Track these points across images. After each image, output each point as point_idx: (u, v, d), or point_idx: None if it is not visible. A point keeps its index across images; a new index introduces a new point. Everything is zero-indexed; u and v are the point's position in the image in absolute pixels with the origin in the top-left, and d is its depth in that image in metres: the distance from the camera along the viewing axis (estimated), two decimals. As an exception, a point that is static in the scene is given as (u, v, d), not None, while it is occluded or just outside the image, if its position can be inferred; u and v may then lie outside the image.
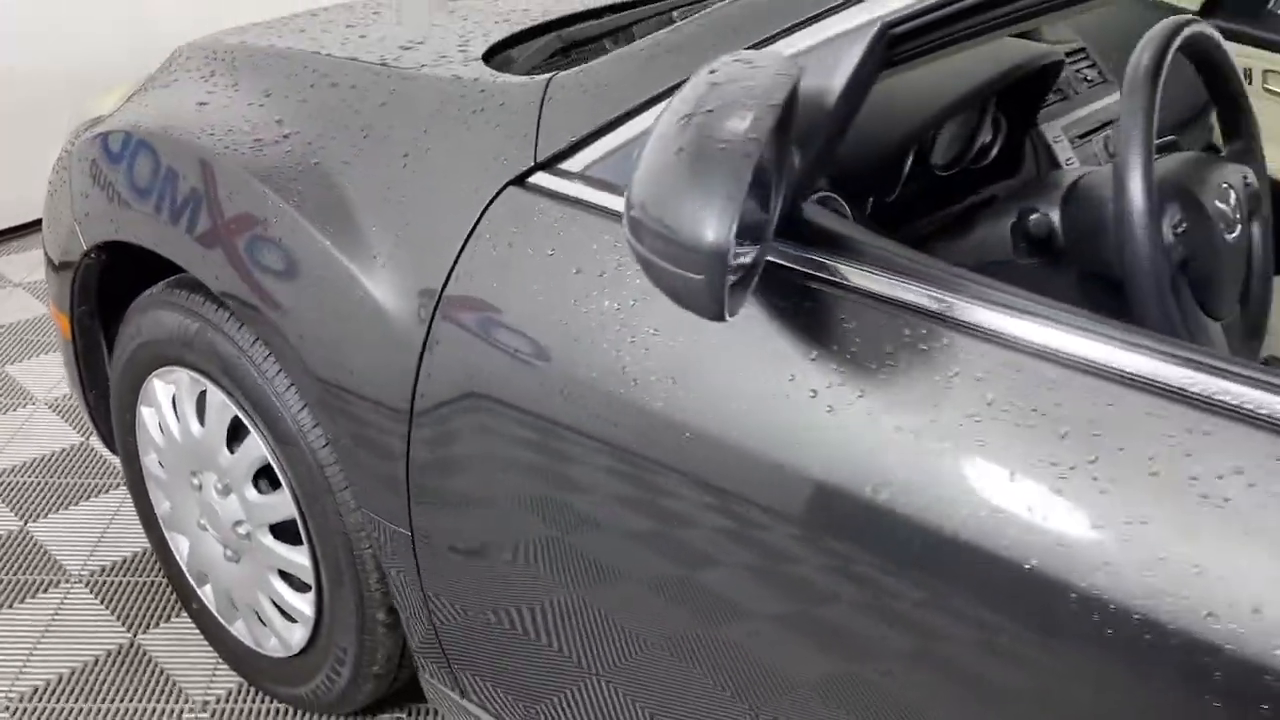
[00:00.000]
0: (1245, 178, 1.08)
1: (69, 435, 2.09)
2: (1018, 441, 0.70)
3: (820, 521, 0.78)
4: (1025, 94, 1.31)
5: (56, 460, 2.02)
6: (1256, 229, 1.11)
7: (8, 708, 1.50)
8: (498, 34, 1.30)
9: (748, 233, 0.73)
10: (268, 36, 1.41)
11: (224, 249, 1.21)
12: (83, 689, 1.53)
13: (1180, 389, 0.66)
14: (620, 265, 0.90)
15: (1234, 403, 0.65)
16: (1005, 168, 1.36)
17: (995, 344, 0.73)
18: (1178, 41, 0.96)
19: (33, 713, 1.49)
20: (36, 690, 1.52)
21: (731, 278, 0.68)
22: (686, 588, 0.88)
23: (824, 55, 0.81)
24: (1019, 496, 0.69)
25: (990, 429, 0.71)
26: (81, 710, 1.50)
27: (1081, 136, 1.38)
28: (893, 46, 0.81)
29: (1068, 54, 1.50)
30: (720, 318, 0.68)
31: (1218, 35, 1.08)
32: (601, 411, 0.89)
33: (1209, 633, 0.61)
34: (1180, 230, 0.98)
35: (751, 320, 0.82)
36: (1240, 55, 1.95)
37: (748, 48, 0.86)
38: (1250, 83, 1.93)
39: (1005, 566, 0.68)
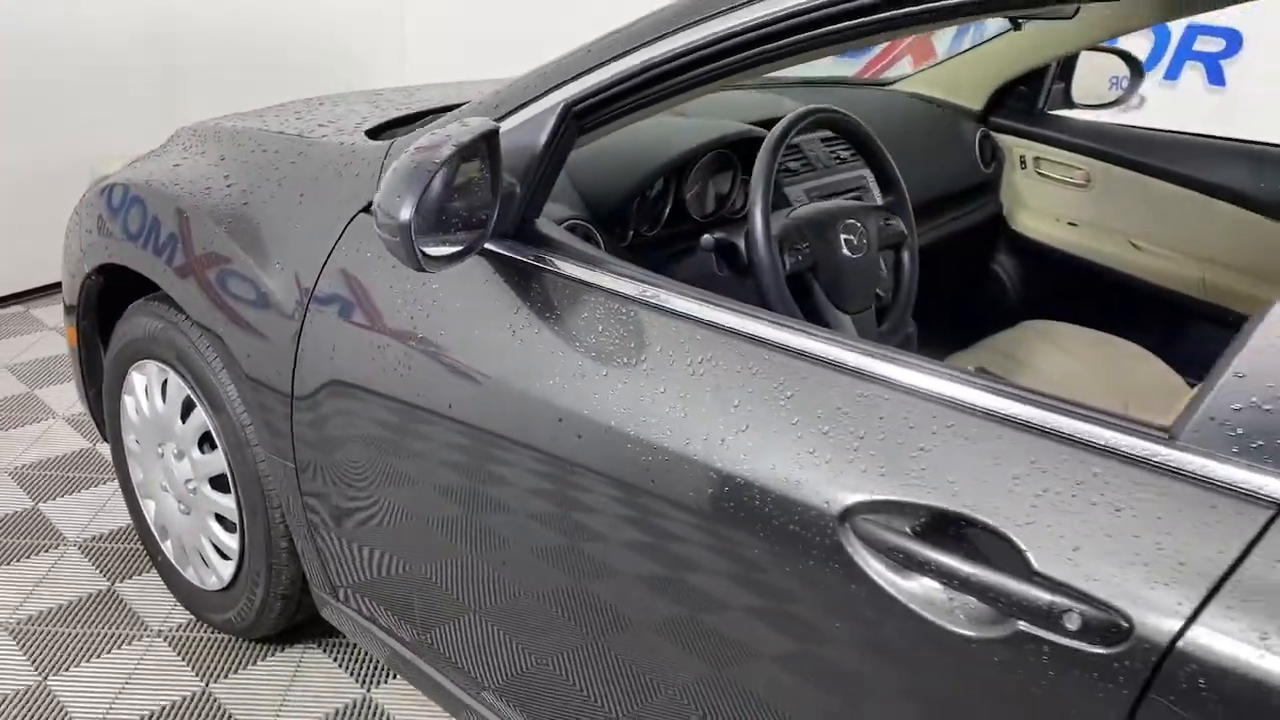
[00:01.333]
0: (886, 220, 1.51)
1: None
2: (670, 380, 1.09)
3: (539, 436, 1.17)
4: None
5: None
6: (905, 255, 1.53)
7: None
8: (390, 116, 1.76)
9: (469, 228, 1.16)
10: (237, 119, 1.89)
11: (180, 267, 1.67)
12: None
13: (782, 344, 1.01)
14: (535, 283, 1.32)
15: (822, 355, 0.99)
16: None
17: (660, 314, 1.11)
18: (801, 125, 1.40)
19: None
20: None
21: (440, 250, 1.12)
22: (478, 506, 1.26)
23: (535, 122, 1.25)
24: (679, 418, 1.06)
25: (652, 373, 1.11)
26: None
27: (822, 198, 1.81)
28: (580, 118, 1.25)
29: (824, 139, 1.95)
30: (420, 269, 1.11)
31: (851, 117, 1.52)
32: (409, 367, 1.32)
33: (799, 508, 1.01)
34: (806, 249, 1.41)
35: (493, 292, 1.25)
36: (1017, 146, 2.39)
37: (499, 117, 1.30)
38: (1025, 167, 2.36)
39: (657, 466, 1.09)
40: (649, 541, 1.08)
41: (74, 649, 1.90)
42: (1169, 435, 0.81)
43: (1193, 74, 3.46)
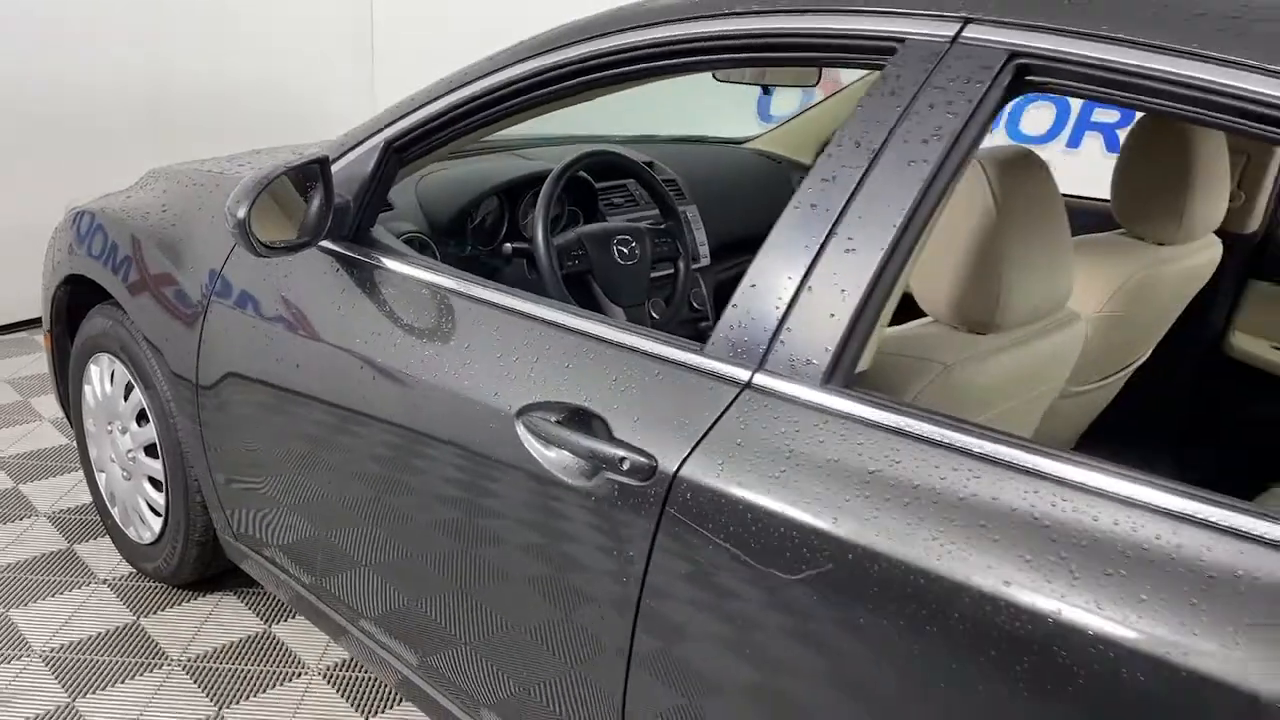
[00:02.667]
0: (659, 239, 1.95)
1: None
2: (479, 350, 1.52)
3: (352, 394, 1.58)
4: (585, 195, 2.22)
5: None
6: (680, 266, 1.97)
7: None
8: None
9: (307, 231, 1.60)
10: (191, 163, 2.35)
11: (123, 275, 2.11)
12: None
13: (558, 323, 1.40)
14: (305, 262, 1.76)
15: (593, 332, 1.39)
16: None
17: (457, 297, 1.51)
18: (580, 164, 1.85)
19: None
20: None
21: (278, 241, 1.55)
22: (329, 460, 1.67)
23: (364, 156, 1.69)
24: (464, 371, 1.49)
25: (439, 338, 1.53)
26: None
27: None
28: (399, 152, 1.69)
29: (666, 179, 2.40)
30: (255, 254, 1.53)
31: (628, 158, 1.96)
32: (269, 339, 1.74)
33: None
34: (582, 255, 1.84)
35: (330, 280, 1.67)
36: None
37: (341, 153, 1.74)
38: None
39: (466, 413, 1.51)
40: (442, 472, 1.47)
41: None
42: (701, 349, 1.21)
43: (1092, 142, 3.89)
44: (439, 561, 1.50)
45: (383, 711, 2.00)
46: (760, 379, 1.15)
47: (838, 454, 1.06)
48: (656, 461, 1.17)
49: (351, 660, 2.13)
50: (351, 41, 4.75)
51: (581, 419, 1.27)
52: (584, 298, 1.87)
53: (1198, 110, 0.99)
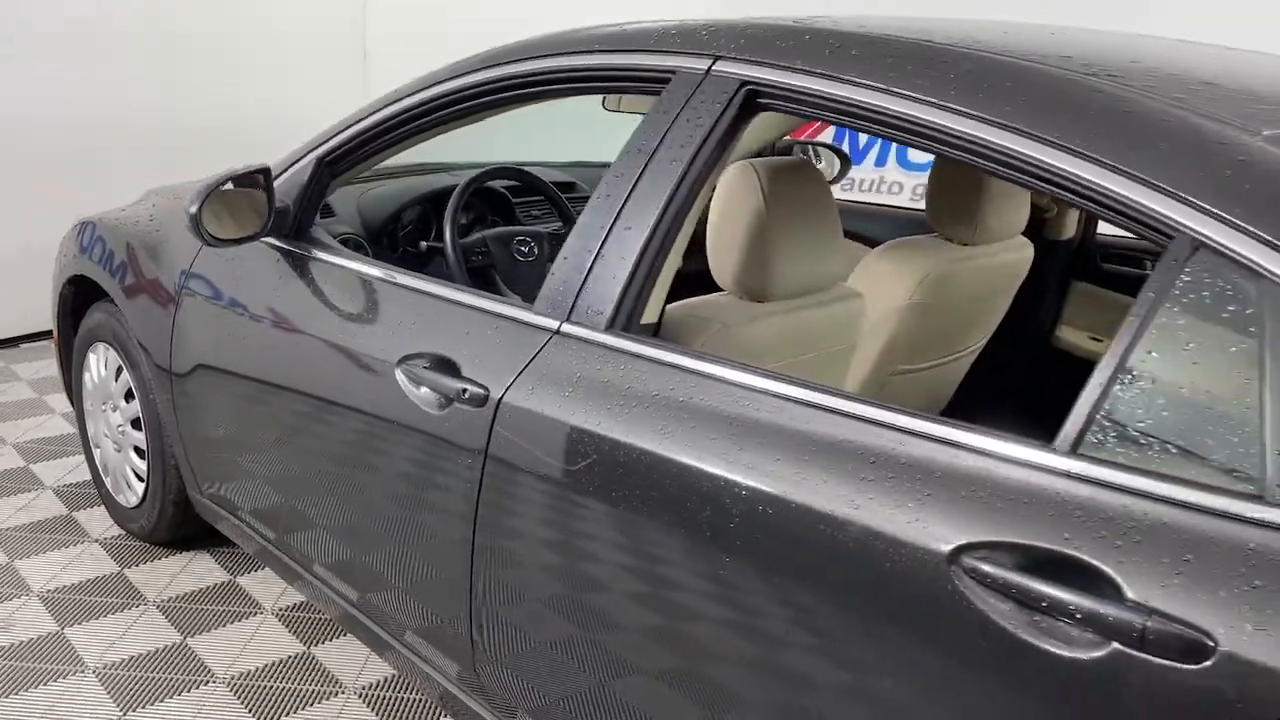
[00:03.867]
0: (556, 241, 2.32)
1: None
2: (380, 318, 1.89)
3: (288, 364, 1.96)
4: (502, 206, 2.60)
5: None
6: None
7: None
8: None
9: (249, 228, 1.99)
10: (182, 183, 2.75)
11: (118, 277, 2.51)
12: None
13: (434, 294, 1.80)
14: (253, 256, 2.15)
15: (458, 299, 1.79)
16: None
17: (378, 281, 1.91)
18: (483, 178, 2.23)
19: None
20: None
21: (228, 235, 1.94)
22: (289, 420, 2.04)
23: (302, 169, 2.08)
24: (382, 334, 1.88)
25: (363, 312, 1.91)
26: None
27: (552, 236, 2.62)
28: (330, 165, 2.08)
29: (561, 184, 2.78)
30: (205, 244, 1.92)
31: (530, 174, 2.34)
32: (222, 319, 2.12)
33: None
34: (485, 252, 2.22)
35: (273, 270, 2.05)
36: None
37: (285, 167, 2.13)
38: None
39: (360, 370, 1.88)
40: (350, 419, 1.84)
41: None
42: (530, 307, 1.57)
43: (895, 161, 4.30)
44: (353, 494, 1.86)
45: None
46: (566, 327, 1.51)
47: (609, 377, 1.42)
48: (489, 391, 1.54)
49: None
50: (349, 71, 5.17)
51: (441, 363, 1.63)
52: (488, 288, 2.25)
53: (871, 125, 1.35)
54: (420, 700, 2.18)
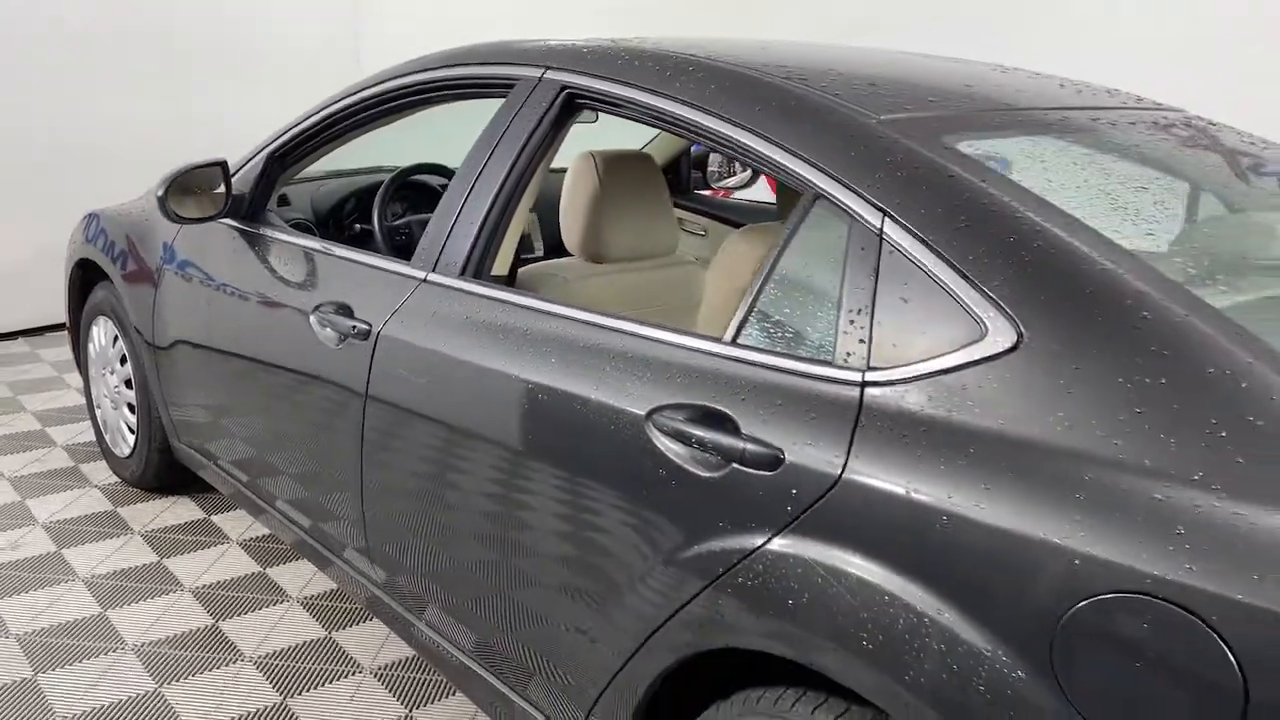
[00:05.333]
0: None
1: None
2: (308, 279, 2.35)
3: (239, 324, 2.41)
4: (431, 196, 3.05)
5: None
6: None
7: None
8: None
9: (207, 210, 2.44)
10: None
11: (114, 257, 2.98)
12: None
13: (348, 258, 2.27)
14: (217, 235, 2.61)
15: (362, 260, 2.26)
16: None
17: (315, 252, 2.37)
18: (407, 174, 2.68)
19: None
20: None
21: (192, 214, 2.40)
22: (239, 375, 2.51)
23: (255, 164, 2.54)
24: (306, 289, 2.33)
25: (299, 278, 2.36)
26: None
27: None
28: (279, 160, 2.53)
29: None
30: (171, 220, 2.38)
31: (447, 168, 2.79)
32: (191, 284, 2.58)
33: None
34: (406, 232, 2.67)
35: (231, 244, 2.51)
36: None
37: (244, 162, 2.59)
38: (683, 224, 3.55)
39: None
40: (285, 365, 2.28)
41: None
42: (408, 263, 2.01)
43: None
44: (290, 425, 2.29)
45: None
46: (432, 276, 1.94)
47: (457, 312, 1.85)
48: (371, 326, 1.97)
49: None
50: (344, 80, 5.68)
51: (341, 308, 2.07)
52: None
53: (647, 119, 1.76)
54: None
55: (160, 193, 2.36)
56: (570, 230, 2.09)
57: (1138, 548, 1.02)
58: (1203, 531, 1.00)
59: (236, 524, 3.02)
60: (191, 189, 2.44)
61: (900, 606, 1.17)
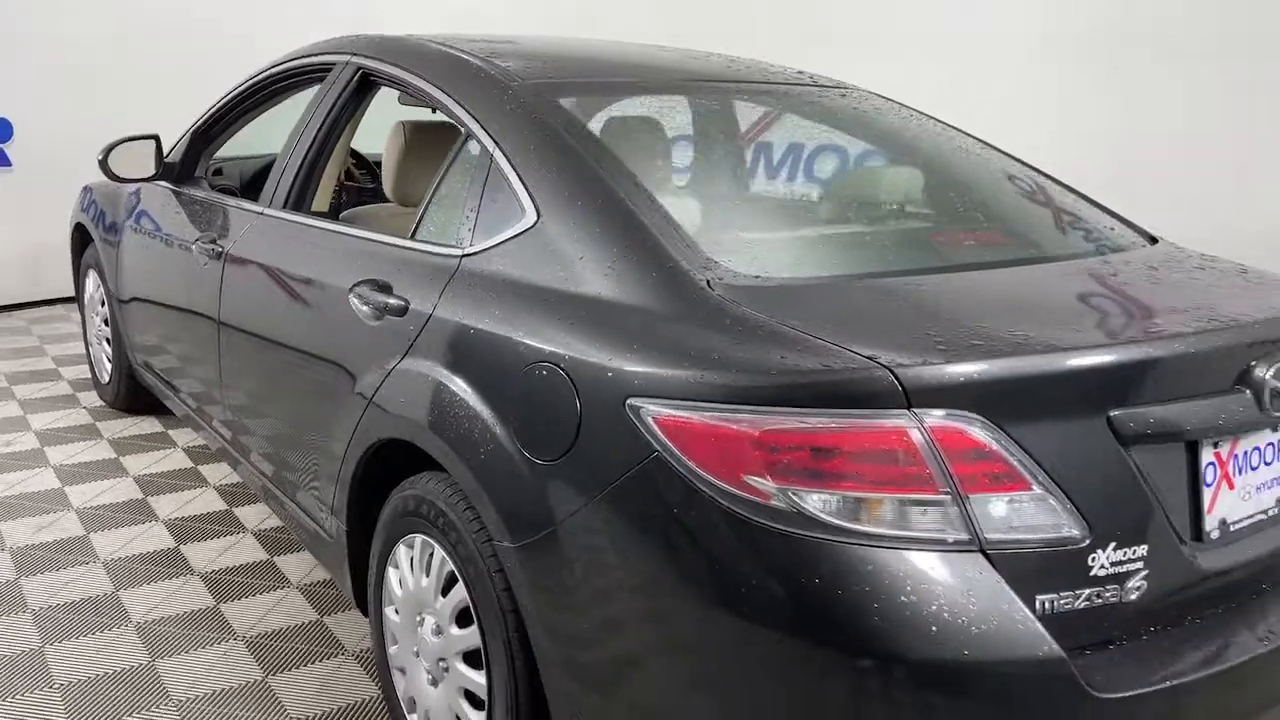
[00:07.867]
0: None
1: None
2: (219, 227, 3.04)
3: (166, 268, 3.10)
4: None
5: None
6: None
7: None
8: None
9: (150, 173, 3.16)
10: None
11: (102, 225, 3.73)
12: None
13: (242, 207, 2.97)
14: (155, 195, 3.31)
15: (248, 207, 2.95)
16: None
17: (225, 207, 3.05)
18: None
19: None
20: None
21: (130, 175, 3.11)
22: (176, 313, 3.20)
23: (185, 139, 3.24)
24: (221, 240, 3.02)
25: (215, 226, 3.05)
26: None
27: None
28: (202, 136, 3.23)
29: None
30: (111, 179, 3.10)
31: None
32: (140, 235, 3.29)
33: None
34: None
35: (166, 202, 3.21)
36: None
37: (181, 136, 3.29)
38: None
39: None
40: (184, 296, 2.97)
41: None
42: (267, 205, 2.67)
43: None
44: (190, 339, 2.97)
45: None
46: (267, 210, 2.60)
47: (277, 234, 2.50)
48: (224, 249, 2.64)
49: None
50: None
51: (211, 239, 2.74)
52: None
53: (417, 98, 2.39)
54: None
55: (101, 157, 3.08)
56: (387, 180, 2.73)
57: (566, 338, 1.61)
58: (641, 339, 1.59)
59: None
60: (133, 160, 3.15)
61: (457, 400, 1.75)
